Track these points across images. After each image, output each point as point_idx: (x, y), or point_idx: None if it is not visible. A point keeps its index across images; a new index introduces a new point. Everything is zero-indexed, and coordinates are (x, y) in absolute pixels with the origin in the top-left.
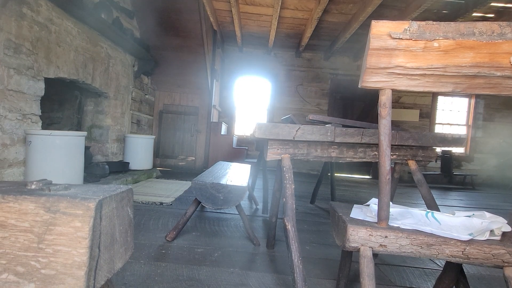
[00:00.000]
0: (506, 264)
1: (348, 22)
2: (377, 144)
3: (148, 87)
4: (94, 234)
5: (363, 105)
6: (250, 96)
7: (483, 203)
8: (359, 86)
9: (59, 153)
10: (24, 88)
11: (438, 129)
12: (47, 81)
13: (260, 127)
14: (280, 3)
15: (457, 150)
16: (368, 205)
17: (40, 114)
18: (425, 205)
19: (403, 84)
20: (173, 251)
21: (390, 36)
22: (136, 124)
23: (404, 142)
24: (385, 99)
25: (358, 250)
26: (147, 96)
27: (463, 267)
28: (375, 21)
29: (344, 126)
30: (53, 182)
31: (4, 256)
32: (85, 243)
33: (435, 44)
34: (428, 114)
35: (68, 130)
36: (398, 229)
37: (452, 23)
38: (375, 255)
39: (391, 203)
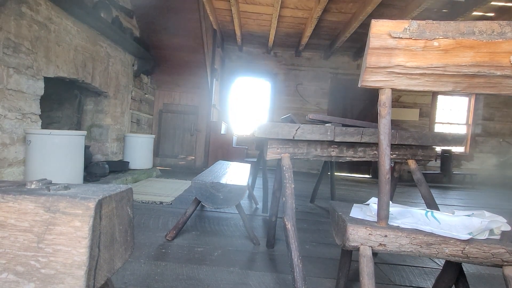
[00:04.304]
0: (505, 263)
1: (348, 21)
2: (377, 144)
3: (148, 87)
4: (94, 233)
5: (363, 105)
6: (250, 95)
7: (482, 202)
8: (359, 86)
9: (58, 153)
10: (23, 87)
11: (438, 128)
12: (47, 80)
13: (259, 126)
14: (280, 2)
15: (457, 149)
16: (368, 204)
17: (40, 113)
18: (424, 204)
19: (403, 84)
20: (173, 250)
21: (390, 35)
22: (136, 123)
23: (404, 141)
24: (385, 98)
25: (357, 249)
26: (146, 95)
27: (462, 266)
28: (375, 20)
29: (344, 125)
30: (52, 182)
31: (3, 256)
32: (85, 243)
33: (435, 43)
34: (428, 113)
35: (68, 129)
36: (397, 228)
37: (452, 22)
38: (374, 254)
39: (390, 202)
